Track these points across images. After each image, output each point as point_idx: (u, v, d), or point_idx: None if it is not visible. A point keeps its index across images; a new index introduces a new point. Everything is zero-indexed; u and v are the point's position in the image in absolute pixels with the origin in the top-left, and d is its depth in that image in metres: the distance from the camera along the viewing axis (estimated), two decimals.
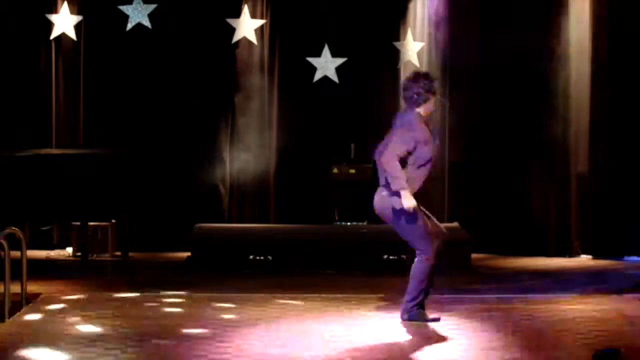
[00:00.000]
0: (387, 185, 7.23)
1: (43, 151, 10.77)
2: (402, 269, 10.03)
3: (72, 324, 7.19)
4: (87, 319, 7.36)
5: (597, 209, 11.57)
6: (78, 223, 10.72)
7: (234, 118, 11.97)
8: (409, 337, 6.95)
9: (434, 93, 7.32)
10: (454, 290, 8.94)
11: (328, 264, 10.17)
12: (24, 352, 6.31)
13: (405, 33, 12.01)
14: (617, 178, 11.52)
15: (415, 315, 7.33)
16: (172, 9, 11.80)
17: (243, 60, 11.99)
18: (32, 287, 8.23)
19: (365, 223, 11.36)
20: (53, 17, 11.79)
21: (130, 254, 10.89)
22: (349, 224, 11.39)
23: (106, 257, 11.13)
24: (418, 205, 7.21)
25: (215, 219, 11.55)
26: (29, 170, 9.98)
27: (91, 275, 9.82)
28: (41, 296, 8.26)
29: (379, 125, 12.05)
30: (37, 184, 9.92)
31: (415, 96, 7.28)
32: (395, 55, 12.04)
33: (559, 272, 10.45)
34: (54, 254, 11.41)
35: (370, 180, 11.54)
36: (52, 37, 11.82)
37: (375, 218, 11.87)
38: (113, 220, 11.12)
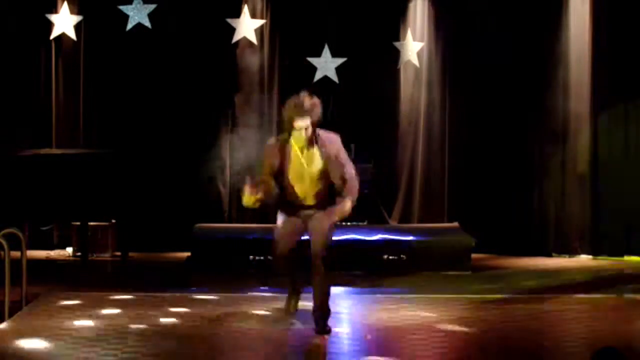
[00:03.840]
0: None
1: (43, 151, 10.77)
2: (402, 269, 10.11)
3: (72, 324, 7.18)
4: (87, 319, 7.36)
5: (597, 208, 11.59)
6: (78, 223, 10.73)
7: (234, 118, 11.97)
8: (409, 337, 6.95)
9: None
10: (454, 290, 8.95)
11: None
12: (23, 352, 6.31)
13: (405, 33, 12.01)
14: (616, 178, 11.54)
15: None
16: (172, 9, 11.81)
17: (243, 60, 11.99)
18: (32, 287, 8.22)
19: (365, 223, 11.36)
20: (53, 17, 11.79)
21: (130, 254, 10.90)
22: (349, 223, 11.37)
23: (106, 257, 11.14)
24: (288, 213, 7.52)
25: (215, 219, 11.55)
26: (29, 170, 9.98)
27: (91, 275, 9.82)
28: (41, 296, 8.26)
29: (379, 125, 12.16)
30: (37, 184, 9.92)
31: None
32: (395, 55, 12.04)
33: (559, 272, 10.46)
34: (54, 254, 11.42)
35: (370, 180, 11.57)
36: (52, 37, 11.82)
37: (375, 218, 11.99)
38: (113, 220, 11.13)
